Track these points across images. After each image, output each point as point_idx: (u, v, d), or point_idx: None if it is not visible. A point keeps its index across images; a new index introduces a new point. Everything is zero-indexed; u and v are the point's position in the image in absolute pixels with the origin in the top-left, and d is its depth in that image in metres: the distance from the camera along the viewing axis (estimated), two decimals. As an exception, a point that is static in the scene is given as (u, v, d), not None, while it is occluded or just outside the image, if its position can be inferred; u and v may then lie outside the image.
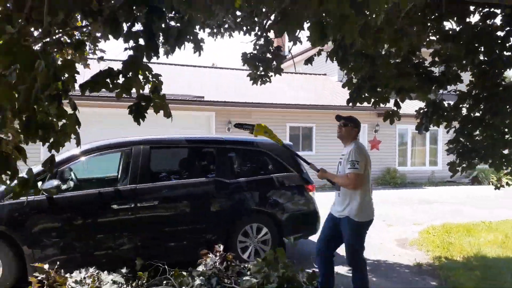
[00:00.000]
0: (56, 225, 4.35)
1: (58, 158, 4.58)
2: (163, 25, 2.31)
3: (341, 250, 6.11)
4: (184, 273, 3.98)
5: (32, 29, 2.27)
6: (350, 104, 4.54)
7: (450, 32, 4.05)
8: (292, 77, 17.59)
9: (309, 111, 14.51)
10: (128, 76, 2.46)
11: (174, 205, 4.84)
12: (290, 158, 5.63)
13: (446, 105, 4.54)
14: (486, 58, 4.26)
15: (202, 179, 5.04)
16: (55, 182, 4.26)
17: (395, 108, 4.50)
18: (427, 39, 4.18)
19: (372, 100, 4.43)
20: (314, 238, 6.42)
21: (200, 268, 4.13)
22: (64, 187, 4.53)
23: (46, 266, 3.74)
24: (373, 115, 15.11)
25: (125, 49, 2.43)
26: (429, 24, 4.04)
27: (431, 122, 4.52)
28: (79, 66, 4.25)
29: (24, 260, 4.16)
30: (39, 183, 4.35)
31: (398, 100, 4.47)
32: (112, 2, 1.78)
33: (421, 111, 4.66)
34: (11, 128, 2.45)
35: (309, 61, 4.41)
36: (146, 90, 2.90)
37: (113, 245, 4.47)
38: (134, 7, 1.96)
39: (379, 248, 6.22)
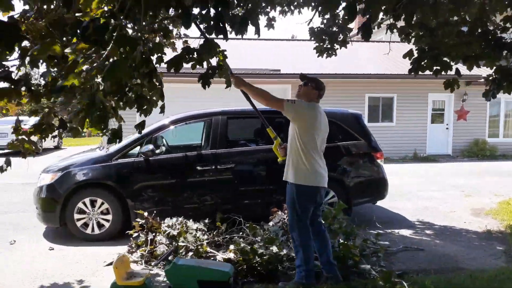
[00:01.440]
0: (152, 182, 5.22)
1: (151, 127, 5.44)
2: (230, 13, 2.80)
3: (405, 212, 6.34)
4: (257, 226, 4.59)
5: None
6: (413, 73, 4.63)
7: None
8: (371, 46, 17.11)
9: (389, 81, 14.15)
10: (202, 53, 3.04)
11: (248, 167, 5.45)
12: (359, 127, 5.90)
13: (518, 70, 4.42)
14: None
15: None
16: (150, 146, 5.11)
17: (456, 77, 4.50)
18: (497, 6, 4.08)
19: (434, 68, 4.47)
20: (385, 204, 6.70)
21: (271, 223, 4.73)
22: (158, 151, 5.38)
23: (145, 214, 4.61)
24: (461, 84, 14.16)
25: (201, 34, 2.99)
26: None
27: (501, 89, 4.45)
28: (167, 50, 4.98)
29: (128, 210, 5.09)
30: (138, 147, 5.27)
31: (466, 68, 4.47)
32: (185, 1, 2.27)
33: (490, 78, 4.59)
34: (112, 97, 3.12)
35: (368, 32, 4.55)
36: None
37: (197, 200, 5.24)
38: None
39: (449, 216, 6.27)
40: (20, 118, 3.84)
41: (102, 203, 5.05)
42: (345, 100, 13.47)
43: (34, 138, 3.31)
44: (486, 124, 15.14)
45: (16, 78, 2.48)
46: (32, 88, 2.74)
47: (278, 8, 5.37)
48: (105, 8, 2.15)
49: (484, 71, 11.02)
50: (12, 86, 2.37)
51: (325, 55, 5.29)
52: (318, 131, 3.38)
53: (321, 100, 3.59)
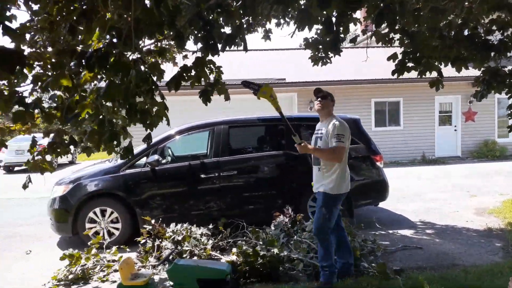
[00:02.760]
0: (159, 191, 5.45)
1: (157, 138, 5.70)
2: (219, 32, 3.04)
3: (408, 213, 6.43)
4: (259, 230, 4.78)
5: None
6: (395, 76, 4.76)
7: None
8: (374, 52, 17.23)
9: (395, 85, 14.23)
10: (197, 70, 3.27)
11: (250, 174, 5.65)
12: (358, 131, 6.06)
13: (507, 71, 4.55)
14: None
15: (273, 152, 5.77)
16: (156, 156, 5.36)
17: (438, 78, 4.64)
18: (477, 11, 4.23)
19: (418, 70, 4.62)
20: (389, 206, 6.82)
21: (273, 226, 4.91)
22: (163, 161, 5.62)
23: (152, 221, 4.83)
24: (467, 85, 14.09)
25: (193, 52, 3.24)
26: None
27: (490, 89, 4.58)
28: (168, 65, 5.22)
29: (137, 218, 5.32)
30: (144, 158, 5.52)
31: (455, 69, 4.62)
32: (177, 24, 2.50)
33: (480, 79, 4.73)
34: (119, 115, 3.39)
35: (353, 40, 4.77)
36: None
37: (203, 206, 5.45)
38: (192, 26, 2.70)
39: (451, 216, 6.35)
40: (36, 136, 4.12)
41: (112, 212, 5.30)
42: (351, 106, 13.61)
43: (48, 157, 3.58)
44: (495, 125, 15.07)
45: (29, 102, 2.76)
46: (45, 110, 3.01)
47: (274, 21, 5.61)
48: (106, 38, 2.40)
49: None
50: (25, 109, 2.63)
51: (320, 63, 5.49)
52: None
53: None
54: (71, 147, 3.45)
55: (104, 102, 2.41)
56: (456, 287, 3.46)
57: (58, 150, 3.30)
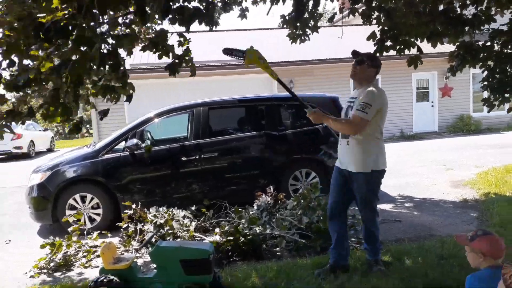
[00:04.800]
0: (139, 175, 5.40)
1: (136, 121, 5.61)
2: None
3: (387, 188, 6.57)
4: (242, 209, 4.81)
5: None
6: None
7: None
8: (353, 30, 17.25)
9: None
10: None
11: (232, 155, 5.65)
12: (337, 110, 6.10)
13: (480, 45, 4.63)
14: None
15: (254, 133, 5.77)
16: (135, 140, 5.29)
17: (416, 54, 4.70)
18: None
19: (397, 48, 4.67)
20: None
21: (255, 206, 4.94)
22: (143, 145, 5.55)
23: (134, 206, 4.80)
24: (443, 61, 14.26)
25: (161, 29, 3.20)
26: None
27: (465, 64, 4.66)
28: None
29: (117, 203, 5.27)
30: (123, 142, 5.44)
31: (431, 45, 4.67)
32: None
33: (455, 54, 4.80)
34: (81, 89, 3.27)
35: (331, 19, 4.76)
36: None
37: (185, 189, 5.44)
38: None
39: (428, 189, 6.53)
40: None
41: (92, 198, 5.24)
42: (331, 84, 13.66)
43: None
44: (471, 100, 15.42)
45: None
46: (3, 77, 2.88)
47: (250, -1, 5.53)
48: (66, 11, 2.31)
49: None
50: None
51: (298, 41, 5.46)
52: (386, 113, 3.16)
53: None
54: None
55: (67, 78, 2.34)
56: (433, 256, 3.58)
57: (17, 118, 3.22)
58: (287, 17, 5.35)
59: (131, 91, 3.58)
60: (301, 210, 4.37)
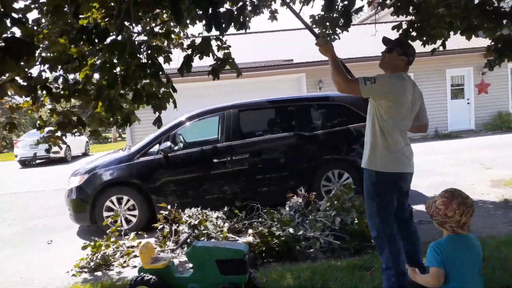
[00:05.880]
0: (173, 177, 5.51)
1: (168, 125, 5.73)
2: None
3: (422, 188, 6.43)
4: (274, 211, 4.81)
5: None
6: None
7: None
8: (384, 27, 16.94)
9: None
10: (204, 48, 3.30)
11: (262, 157, 5.67)
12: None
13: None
14: None
15: (284, 134, 5.76)
16: (168, 143, 5.40)
17: (441, 48, 4.54)
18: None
19: (423, 40, 4.53)
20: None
21: (287, 207, 4.93)
22: (176, 147, 5.66)
23: (168, 207, 4.90)
24: (479, 57, 13.75)
25: (199, 34, 3.24)
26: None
27: (503, 58, 4.48)
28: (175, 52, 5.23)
29: (153, 205, 5.40)
30: (157, 146, 5.56)
31: (465, 38, 4.52)
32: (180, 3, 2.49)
33: (492, 48, 4.62)
34: (125, 98, 3.40)
35: (357, 11, 4.67)
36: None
37: (217, 190, 5.50)
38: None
39: (466, 189, 6.23)
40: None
41: (128, 200, 5.38)
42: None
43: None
44: (509, 96, 14.81)
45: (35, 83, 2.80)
46: (52, 90, 3.05)
47: (279, 0, 5.53)
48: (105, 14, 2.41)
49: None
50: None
51: (327, 39, 5.40)
52: (405, 107, 2.76)
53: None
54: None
55: (100, 79, 2.44)
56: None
57: (67, 128, 3.40)
58: (316, 17, 5.32)
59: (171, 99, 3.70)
60: (334, 211, 4.33)
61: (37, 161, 15.05)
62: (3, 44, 1.69)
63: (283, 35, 16.94)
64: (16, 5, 1.99)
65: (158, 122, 3.48)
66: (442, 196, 2.00)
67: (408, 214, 3.06)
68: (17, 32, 2.61)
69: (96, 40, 2.08)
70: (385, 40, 2.95)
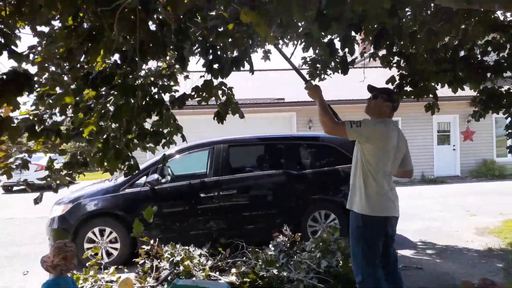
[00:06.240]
0: (158, 211, 5.42)
1: (158, 157, 5.71)
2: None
3: (408, 233, 6.44)
4: (258, 250, 4.75)
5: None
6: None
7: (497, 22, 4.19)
8: (372, 72, 17.45)
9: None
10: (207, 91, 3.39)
11: (250, 193, 5.65)
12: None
13: (504, 91, 4.61)
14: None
15: (273, 171, 5.78)
16: (155, 176, 5.36)
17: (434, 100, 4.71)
18: (472, 32, 4.33)
19: (416, 93, 4.70)
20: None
21: (272, 247, 4.87)
22: (163, 180, 5.62)
23: (151, 241, 4.80)
24: (465, 105, 14.17)
25: (200, 76, 3.34)
26: (476, 17, 4.23)
27: (488, 110, 4.64)
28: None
29: (135, 238, 5.28)
30: (144, 177, 5.52)
31: (451, 91, 4.69)
32: (183, 47, 2.57)
33: (477, 99, 4.80)
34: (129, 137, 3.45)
35: (351, 63, 4.86)
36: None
37: (202, 226, 5.43)
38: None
39: (451, 235, 6.33)
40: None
41: (111, 232, 5.27)
42: (349, 125, 13.67)
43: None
44: (493, 144, 15.14)
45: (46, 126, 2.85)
46: (61, 132, 3.08)
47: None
48: (111, 59, 2.48)
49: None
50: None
51: (317, 79, 5.56)
52: (389, 152, 2.82)
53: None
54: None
55: (110, 123, 2.48)
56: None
57: (74, 168, 3.41)
58: (307, 59, 5.49)
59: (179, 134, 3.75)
60: (319, 253, 4.28)
61: (21, 187, 14.74)
62: (4, 77, 1.72)
63: (274, 74, 17.32)
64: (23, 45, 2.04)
65: (164, 160, 3.53)
66: None
67: (393, 259, 3.04)
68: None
69: (102, 85, 2.13)
70: (370, 88, 3.06)
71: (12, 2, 2.09)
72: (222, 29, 2.86)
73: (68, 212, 5.28)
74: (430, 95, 4.75)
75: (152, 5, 2.05)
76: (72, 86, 2.53)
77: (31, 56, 3.33)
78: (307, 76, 5.68)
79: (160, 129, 3.57)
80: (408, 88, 4.71)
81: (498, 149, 15.08)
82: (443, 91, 5.95)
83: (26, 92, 1.90)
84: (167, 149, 3.98)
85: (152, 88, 3.25)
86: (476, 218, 7.60)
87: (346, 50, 2.98)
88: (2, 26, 2.08)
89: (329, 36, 3.59)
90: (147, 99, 2.95)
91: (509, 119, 4.73)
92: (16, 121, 2.55)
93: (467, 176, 14.64)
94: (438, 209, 8.59)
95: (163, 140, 3.65)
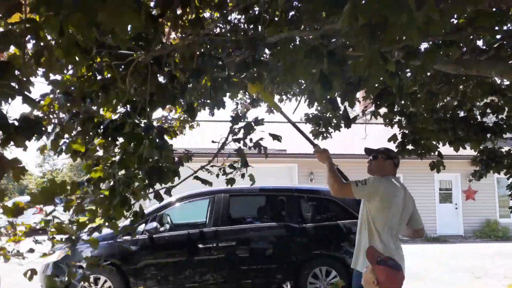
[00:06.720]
0: (155, 261, 5.31)
1: (157, 205, 5.68)
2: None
3: None
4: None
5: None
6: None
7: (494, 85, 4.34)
8: (374, 128, 17.70)
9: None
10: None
11: (250, 245, 5.54)
12: (358, 206, 6.05)
13: (504, 152, 4.67)
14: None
15: (274, 224, 5.71)
16: (154, 224, 5.31)
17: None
18: (470, 94, 4.47)
19: (419, 152, 4.77)
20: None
21: (271, 303, 4.72)
22: (162, 229, 5.55)
23: (146, 292, 4.67)
24: (466, 163, 14.16)
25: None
26: (474, 81, 4.38)
27: (489, 170, 4.68)
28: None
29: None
30: (142, 225, 5.46)
31: (453, 149, 4.75)
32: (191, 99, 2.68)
33: (478, 159, 4.85)
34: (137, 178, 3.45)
35: (353, 120, 4.96)
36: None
37: (199, 279, 5.28)
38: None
39: (456, 299, 6.11)
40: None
41: (105, 281, 5.13)
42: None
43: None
44: (496, 204, 14.99)
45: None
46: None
47: (277, 97, 5.88)
48: (122, 110, 2.57)
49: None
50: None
51: (320, 137, 5.64)
52: (396, 210, 2.83)
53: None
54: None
55: (118, 171, 2.50)
56: None
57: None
58: (310, 115, 5.60)
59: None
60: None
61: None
62: (16, 122, 1.78)
63: (276, 126, 17.56)
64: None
65: (168, 193, 3.49)
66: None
67: None
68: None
69: (111, 135, 2.21)
70: (368, 151, 3.12)
71: (31, 53, 2.20)
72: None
73: (63, 258, 5.16)
74: (432, 154, 4.80)
75: (165, 60, 2.16)
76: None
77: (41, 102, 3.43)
78: (311, 136, 5.78)
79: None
80: (410, 147, 4.77)
81: (501, 210, 14.90)
82: (445, 149, 6.03)
83: (35, 137, 1.95)
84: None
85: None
86: (481, 280, 7.38)
87: (346, 103, 3.06)
88: (19, 73, 2.18)
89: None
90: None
91: (511, 179, 4.75)
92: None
93: (471, 236, 14.37)
94: (442, 270, 8.35)
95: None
